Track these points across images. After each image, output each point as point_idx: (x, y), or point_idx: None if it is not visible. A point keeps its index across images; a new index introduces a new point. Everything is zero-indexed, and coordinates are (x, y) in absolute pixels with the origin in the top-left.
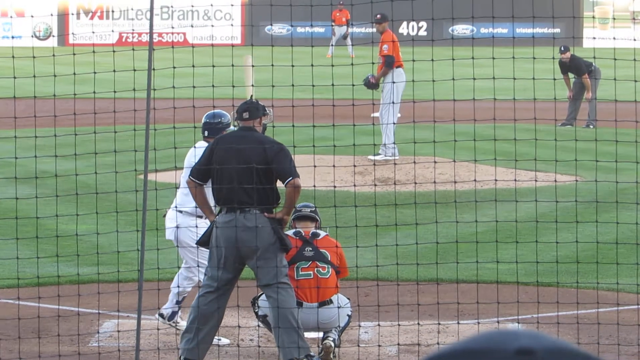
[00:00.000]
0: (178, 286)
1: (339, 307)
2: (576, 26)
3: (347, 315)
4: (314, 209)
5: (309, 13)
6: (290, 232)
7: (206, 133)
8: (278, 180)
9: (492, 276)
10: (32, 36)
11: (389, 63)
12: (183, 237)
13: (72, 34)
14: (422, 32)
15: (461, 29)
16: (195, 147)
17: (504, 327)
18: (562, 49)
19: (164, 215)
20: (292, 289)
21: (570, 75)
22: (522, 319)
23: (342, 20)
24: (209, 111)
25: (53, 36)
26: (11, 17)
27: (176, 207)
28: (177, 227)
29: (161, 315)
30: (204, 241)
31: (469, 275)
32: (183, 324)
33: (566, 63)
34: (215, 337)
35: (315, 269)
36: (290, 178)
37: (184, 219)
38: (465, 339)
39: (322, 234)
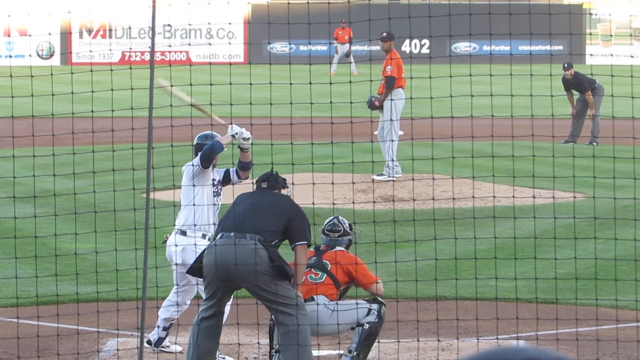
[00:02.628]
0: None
1: (335, 311)
2: (579, 43)
3: (357, 326)
4: (339, 233)
5: (311, 31)
6: (311, 248)
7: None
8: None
9: (491, 293)
10: (30, 55)
11: (390, 85)
12: (188, 259)
13: (72, 52)
14: (425, 50)
15: (464, 47)
16: (193, 164)
17: (509, 344)
18: (566, 65)
19: (164, 242)
20: (299, 308)
21: (574, 92)
22: (521, 336)
23: (345, 38)
24: (202, 132)
25: (52, 55)
26: (8, 36)
27: (178, 229)
28: (176, 245)
29: (148, 342)
30: (193, 269)
31: (468, 293)
32: (173, 347)
33: (569, 80)
34: (219, 355)
35: (309, 275)
36: (305, 242)
37: (188, 240)
38: (474, 354)
39: (337, 248)
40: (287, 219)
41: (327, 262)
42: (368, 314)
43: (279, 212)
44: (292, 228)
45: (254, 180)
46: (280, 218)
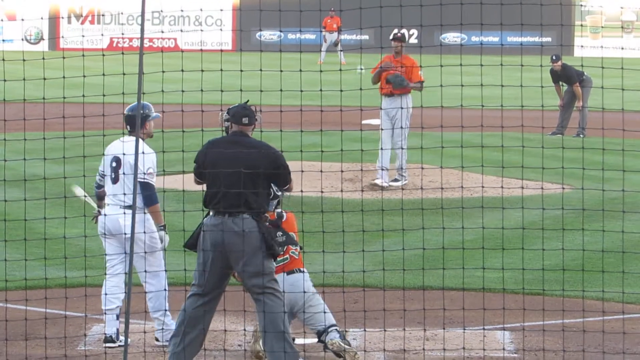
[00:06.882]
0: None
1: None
2: (568, 35)
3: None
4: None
5: (300, 19)
6: None
7: (128, 128)
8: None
9: (478, 284)
10: (22, 40)
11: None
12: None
13: (62, 37)
14: (413, 40)
15: (452, 37)
16: (122, 141)
17: (494, 335)
18: (554, 57)
19: (94, 219)
20: (281, 294)
21: (562, 84)
22: (508, 327)
23: (333, 26)
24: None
25: (43, 39)
26: (1, 20)
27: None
28: (125, 213)
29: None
30: (191, 244)
31: (455, 283)
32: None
33: (557, 72)
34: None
35: (290, 252)
36: (289, 184)
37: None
38: None
39: (285, 215)
40: (272, 176)
41: (292, 233)
42: (326, 329)
43: (266, 173)
44: (285, 176)
45: (230, 115)
46: (268, 178)
